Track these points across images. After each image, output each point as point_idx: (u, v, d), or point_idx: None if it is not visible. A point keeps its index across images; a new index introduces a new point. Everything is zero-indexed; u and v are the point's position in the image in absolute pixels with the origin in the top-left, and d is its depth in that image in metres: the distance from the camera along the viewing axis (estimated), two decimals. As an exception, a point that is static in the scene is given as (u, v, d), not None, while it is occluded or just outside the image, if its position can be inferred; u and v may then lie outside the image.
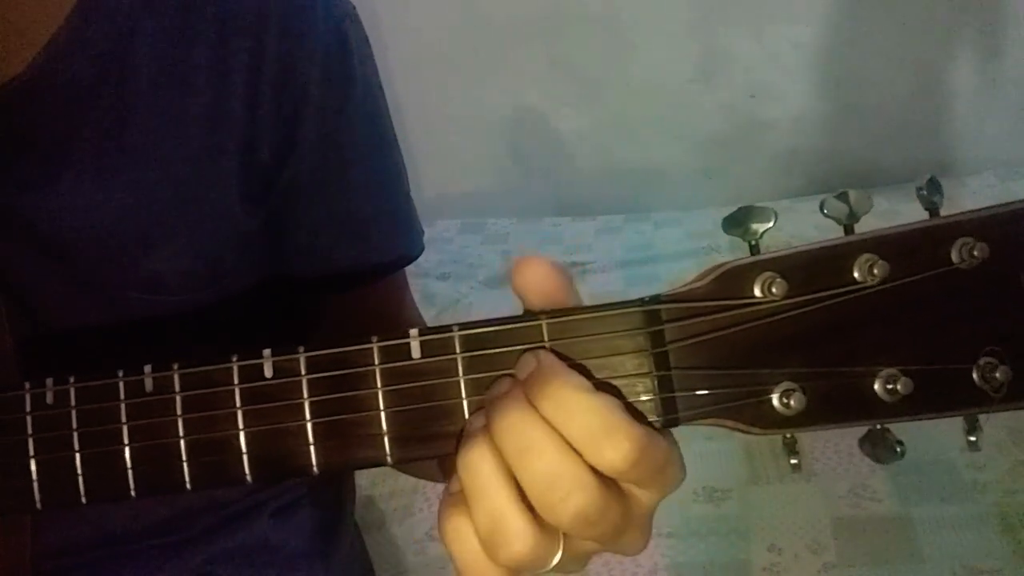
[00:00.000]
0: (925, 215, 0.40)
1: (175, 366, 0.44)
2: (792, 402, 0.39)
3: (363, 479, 1.53)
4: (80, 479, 0.46)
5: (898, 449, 0.40)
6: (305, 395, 0.43)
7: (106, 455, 0.45)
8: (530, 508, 0.39)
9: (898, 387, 0.39)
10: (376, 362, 0.42)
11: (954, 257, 0.39)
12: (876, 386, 0.39)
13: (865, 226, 0.40)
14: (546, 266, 0.41)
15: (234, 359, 0.44)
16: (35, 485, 0.46)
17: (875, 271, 0.39)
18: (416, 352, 0.42)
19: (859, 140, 2.61)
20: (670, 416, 0.41)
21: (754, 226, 0.41)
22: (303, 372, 0.43)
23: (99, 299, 0.64)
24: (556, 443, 0.38)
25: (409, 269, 0.77)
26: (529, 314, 0.42)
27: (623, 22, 2.60)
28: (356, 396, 0.42)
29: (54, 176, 0.60)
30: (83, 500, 0.46)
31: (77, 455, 0.45)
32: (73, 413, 0.46)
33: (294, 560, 0.76)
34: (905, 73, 2.56)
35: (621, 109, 2.67)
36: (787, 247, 0.40)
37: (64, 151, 0.60)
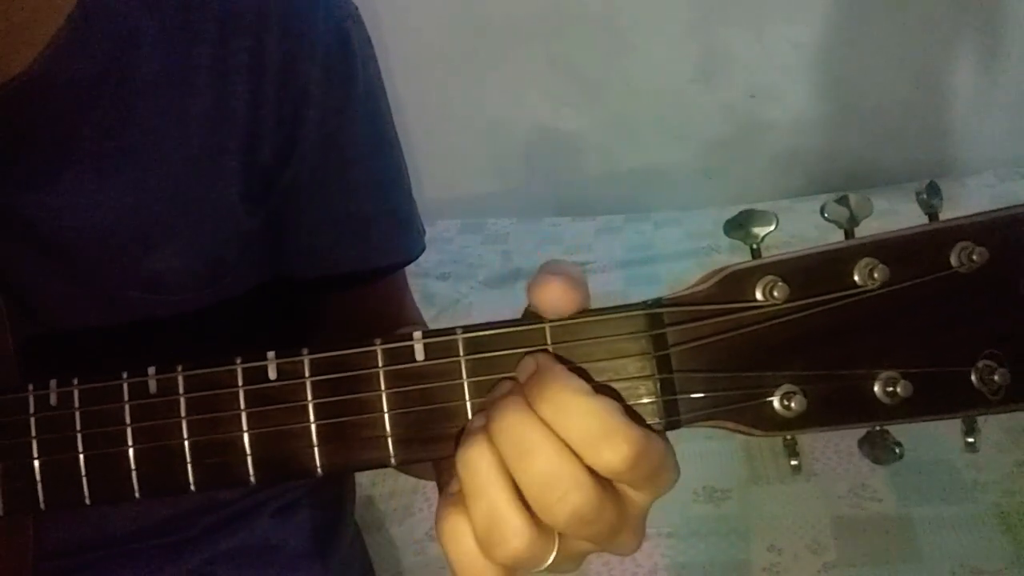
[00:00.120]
0: (925, 215, 0.40)
1: (179, 368, 0.45)
2: (793, 404, 0.40)
3: (363, 479, 1.53)
4: (84, 480, 0.46)
5: (897, 450, 0.40)
6: (309, 397, 0.43)
7: (110, 456, 0.45)
8: (527, 508, 0.39)
9: (897, 389, 0.39)
10: (380, 364, 0.43)
11: (953, 261, 0.39)
12: (876, 388, 0.39)
13: (865, 226, 0.41)
14: (564, 286, 0.41)
15: (238, 361, 0.44)
16: (39, 486, 0.47)
17: (875, 275, 0.39)
18: (420, 354, 0.42)
19: (859, 140, 2.61)
20: (672, 418, 0.41)
21: (755, 230, 0.42)
22: (307, 374, 0.43)
23: (99, 299, 0.64)
24: (554, 444, 0.39)
25: (409, 269, 0.77)
26: (533, 317, 0.42)
27: (623, 22, 2.59)
28: (360, 398, 0.43)
29: (55, 175, 0.60)
30: (87, 501, 0.46)
31: (81, 456, 0.46)
32: (77, 414, 0.46)
33: (294, 560, 0.76)
34: (905, 73, 2.56)
35: (621, 109, 2.67)
36: (788, 250, 0.40)
37: (65, 150, 0.60)
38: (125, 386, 0.45)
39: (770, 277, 0.40)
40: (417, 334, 0.42)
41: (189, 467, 0.44)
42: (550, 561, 0.40)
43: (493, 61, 2.66)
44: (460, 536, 0.40)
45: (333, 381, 0.43)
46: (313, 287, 0.72)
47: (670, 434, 0.42)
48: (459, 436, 0.42)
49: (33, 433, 0.46)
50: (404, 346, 0.42)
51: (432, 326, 0.55)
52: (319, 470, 0.43)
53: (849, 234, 0.40)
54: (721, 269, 0.41)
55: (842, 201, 0.40)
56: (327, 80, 0.66)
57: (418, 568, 1.45)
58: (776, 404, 0.40)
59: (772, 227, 0.42)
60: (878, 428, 0.40)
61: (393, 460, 0.43)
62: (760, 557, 1.39)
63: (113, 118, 0.61)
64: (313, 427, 0.43)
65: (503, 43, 2.64)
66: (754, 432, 0.41)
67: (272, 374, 0.43)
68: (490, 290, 2.23)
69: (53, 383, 0.47)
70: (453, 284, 2.27)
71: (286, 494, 0.76)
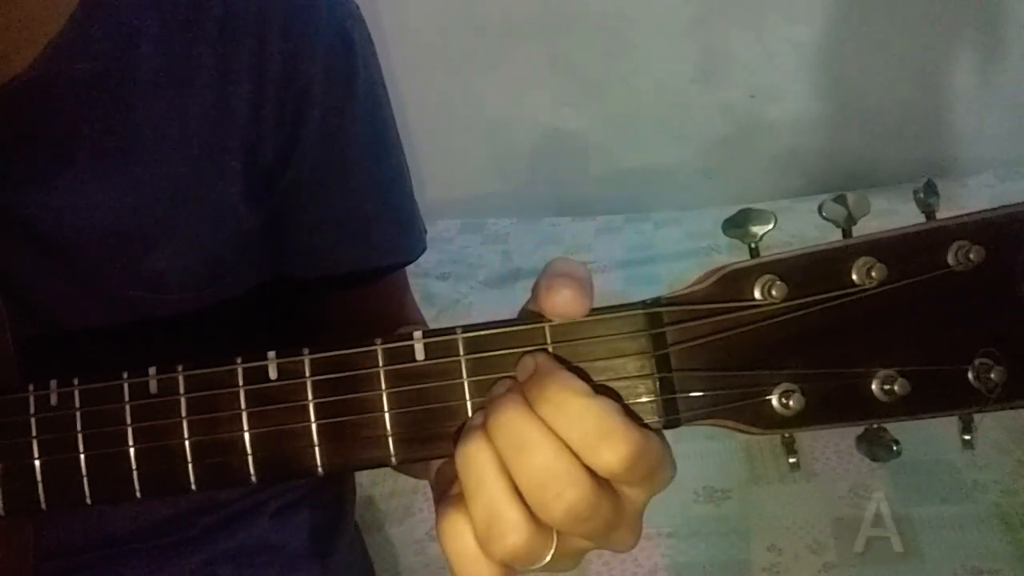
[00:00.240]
0: (923, 215, 0.41)
1: (179, 368, 0.45)
2: (791, 402, 0.40)
3: (363, 479, 1.53)
4: (85, 480, 0.46)
5: (894, 448, 0.41)
6: (310, 397, 0.43)
7: (111, 457, 0.45)
8: (525, 505, 0.39)
9: (895, 388, 0.39)
10: (380, 364, 0.43)
11: (950, 260, 0.39)
12: (873, 387, 0.40)
13: (864, 226, 0.41)
14: (575, 294, 0.41)
15: (238, 361, 0.44)
16: (40, 486, 0.47)
17: (873, 274, 0.39)
18: (420, 354, 0.42)
19: (859, 140, 2.62)
20: (671, 417, 0.41)
21: (754, 229, 0.42)
22: (307, 374, 0.43)
23: (99, 298, 0.64)
24: (551, 441, 0.39)
25: (409, 269, 0.77)
26: (531, 315, 0.42)
27: (623, 22, 2.60)
28: (360, 398, 0.43)
29: (55, 175, 0.60)
30: (88, 501, 0.46)
31: (82, 456, 0.46)
32: (77, 415, 0.46)
33: (294, 560, 0.76)
34: (905, 73, 2.56)
35: (621, 109, 2.67)
36: (787, 249, 0.41)
37: (65, 150, 0.60)
38: (126, 386, 0.45)
39: (768, 276, 0.40)
40: (417, 334, 0.43)
41: (190, 467, 0.44)
42: (548, 558, 0.40)
43: (493, 61, 2.66)
44: (460, 535, 0.40)
45: (333, 381, 0.43)
46: (313, 287, 0.72)
47: (669, 433, 0.42)
48: (458, 435, 0.42)
49: (34, 433, 0.46)
50: (404, 346, 0.43)
51: (432, 326, 0.55)
52: (320, 469, 0.43)
53: (847, 233, 0.41)
54: (720, 268, 0.41)
55: (840, 200, 0.41)
56: (328, 80, 0.66)
57: (418, 568, 1.45)
58: (775, 402, 0.40)
59: (770, 226, 0.42)
60: (875, 426, 0.41)
61: (394, 459, 0.43)
62: (760, 557, 1.39)
63: (114, 117, 0.61)
64: (314, 427, 0.43)
65: (503, 43, 2.64)
66: (753, 430, 0.41)
67: (273, 374, 0.44)
68: (490, 290, 2.24)
69: (54, 383, 0.47)
70: (453, 284, 2.27)
71: (286, 494, 0.76)
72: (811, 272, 0.40)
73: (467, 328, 0.42)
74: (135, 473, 0.45)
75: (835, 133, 2.61)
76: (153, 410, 0.45)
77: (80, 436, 0.46)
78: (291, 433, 0.43)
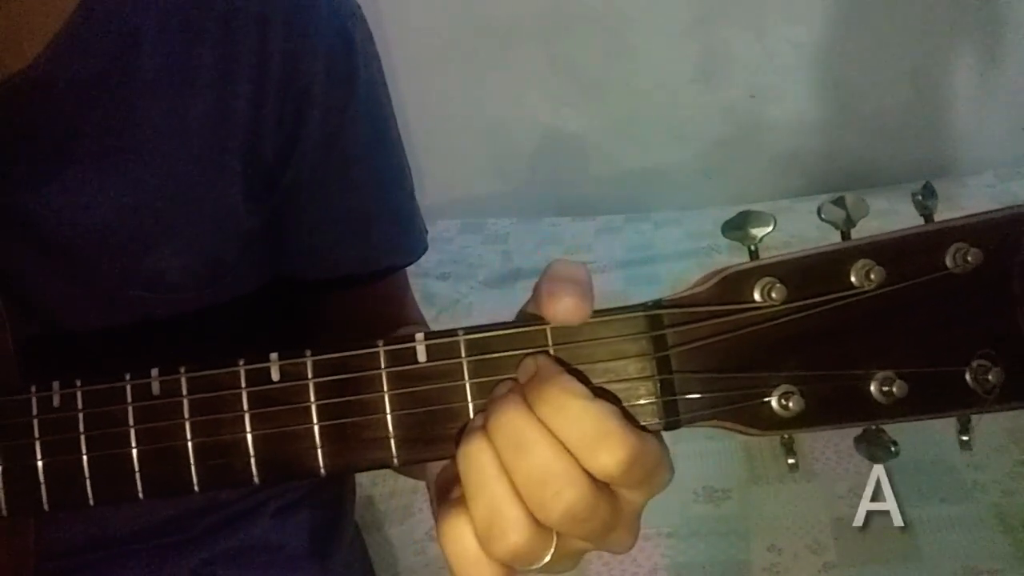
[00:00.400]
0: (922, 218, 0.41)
1: (182, 369, 0.45)
2: (791, 404, 0.40)
3: (363, 479, 1.53)
4: (87, 482, 0.46)
5: (892, 448, 0.41)
6: (312, 398, 0.43)
7: (113, 458, 0.45)
8: (525, 505, 0.39)
9: (893, 389, 0.39)
10: (382, 366, 0.43)
11: (948, 262, 0.39)
12: (872, 388, 0.40)
13: (864, 226, 0.41)
14: (576, 300, 0.41)
15: (241, 363, 0.44)
16: (42, 487, 0.47)
17: (872, 276, 0.39)
18: (422, 356, 0.43)
19: (859, 140, 2.61)
20: (671, 418, 0.41)
21: (753, 231, 0.42)
22: (310, 375, 0.43)
23: (100, 298, 0.64)
24: (550, 441, 0.39)
25: (409, 269, 0.77)
26: (530, 315, 0.43)
27: (623, 22, 2.60)
28: (362, 399, 0.43)
29: (55, 174, 0.60)
30: (91, 502, 0.46)
31: (84, 458, 0.46)
32: (80, 416, 0.46)
33: (294, 560, 0.76)
34: (905, 73, 2.56)
35: (621, 109, 2.67)
36: (786, 250, 0.41)
37: (65, 149, 0.61)
38: (128, 388, 0.45)
39: (768, 278, 0.40)
40: (419, 335, 0.43)
41: (193, 468, 0.45)
42: (548, 559, 0.40)
43: (493, 61, 2.66)
44: (460, 536, 0.40)
45: (336, 382, 0.43)
46: (314, 287, 0.72)
47: (669, 434, 0.42)
48: (460, 436, 0.42)
49: (36, 435, 0.47)
50: (406, 347, 0.43)
51: (432, 326, 0.55)
52: (322, 471, 0.43)
53: (846, 235, 0.41)
54: (720, 270, 0.41)
55: (839, 202, 0.41)
56: (329, 79, 0.66)
57: (418, 568, 1.45)
58: (774, 404, 0.40)
59: (770, 228, 0.42)
60: (874, 427, 0.41)
61: (396, 461, 0.43)
62: (760, 557, 1.39)
63: (114, 117, 0.61)
64: (316, 428, 0.43)
65: (503, 43, 2.64)
66: (752, 432, 0.41)
67: (275, 375, 0.44)
68: (490, 290, 2.23)
69: (56, 384, 0.47)
70: (453, 284, 2.27)
71: (286, 494, 0.76)
72: (810, 274, 0.40)
73: (469, 330, 0.42)
74: (137, 474, 0.45)
75: (835, 133, 2.61)
76: (155, 411, 0.45)
77: (83, 437, 0.46)
78: (293, 435, 0.44)
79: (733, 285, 0.41)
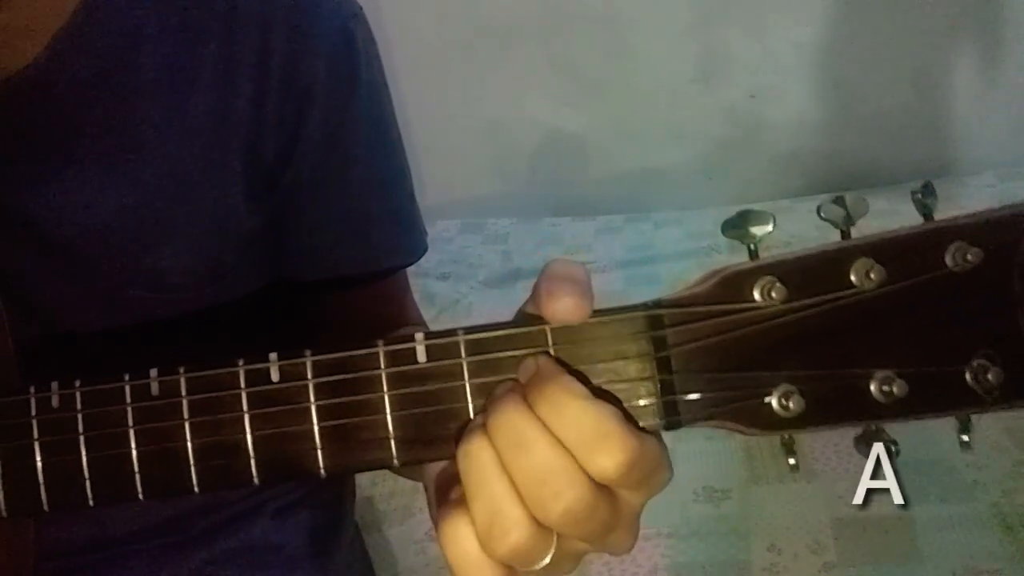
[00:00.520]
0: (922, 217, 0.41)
1: (181, 370, 0.45)
2: (791, 404, 0.40)
3: (363, 479, 1.53)
4: (87, 482, 0.46)
5: (892, 448, 0.41)
6: (312, 399, 0.43)
7: (113, 458, 0.45)
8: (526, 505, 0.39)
9: (893, 389, 0.39)
10: (382, 366, 0.43)
11: (948, 261, 0.39)
12: (872, 388, 0.40)
13: (865, 226, 0.41)
14: (576, 301, 0.41)
15: (240, 363, 0.44)
16: (42, 488, 0.47)
17: (872, 275, 0.39)
18: (422, 356, 0.43)
19: (859, 140, 2.61)
20: (672, 419, 0.41)
21: (753, 230, 0.42)
22: (309, 376, 0.43)
23: (100, 298, 0.64)
24: (549, 441, 0.39)
25: (409, 269, 0.77)
26: (531, 318, 0.43)
27: (623, 22, 2.60)
28: (362, 399, 0.43)
29: (56, 173, 0.60)
30: (90, 503, 0.46)
31: (84, 458, 0.46)
32: (79, 417, 0.46)
33: (294, 560, 0.76)
34: (905, 73, 2.56)
35: (621, 109, 2.67)
36: (786, 250, 0.41)
37: (66, 148, 0.61)
38: (127, 388, 0.45)
39: (768, 278, 0.40)
40: (419, 336, 0.43)
41: (192, 469, 0.45)
42: (548, 560, 0.40)
43: (493, 61, 2.66)
44: (461, 536, 0.40)
45: (335, 383, 0.43)
46: (314, 287, 0.72)
47: (669, 434, 0.42)
48: (460, 437, 0.42)
49: (35, 435, 0.47)
50: (406, 348, 0.43)
51: (432, 326, 0.55)
52: (322, 471, 0.43)
53: (846, 234, 0.41)
54: (720, 270, 0.41)
55: (838, 201, 0.41)
56: (331, 79, 0.66)
57: (418, 568, 1.45)
58: (774, 404, 0.40)
59: (770, 228, 0.42)
60: (874, 427, 0.41)
61: (396, 461, 0.43)
62: (760, 557, 1.39)
63: (115, 117, 0.61)
64: (316, 428, 0.43)
65: (503, 43, 2.64)
66: (752, 432, 0.41)
67: (274, 376, 0.44)
68: (490, 290, 2.23)
69: (55, 385, 0.47)
70: (453, 284, 2.27)
71: (286, 495, 0.76)
72: (810, 274, 0.40)
73: (469, 330, 0.42)
74: (137, 475, 0.45)
75: (835, 133, 2.61)
76: (155, 412, 0.45)
77: (82, 438, 0.46)
78: (293, 435, 0.43)
79: (733, 285, 0.41)
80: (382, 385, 0.43)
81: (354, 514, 0.85)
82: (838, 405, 0.40)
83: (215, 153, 0.64)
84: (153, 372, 0.45)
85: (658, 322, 0.41)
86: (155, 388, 0.45)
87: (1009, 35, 2.50)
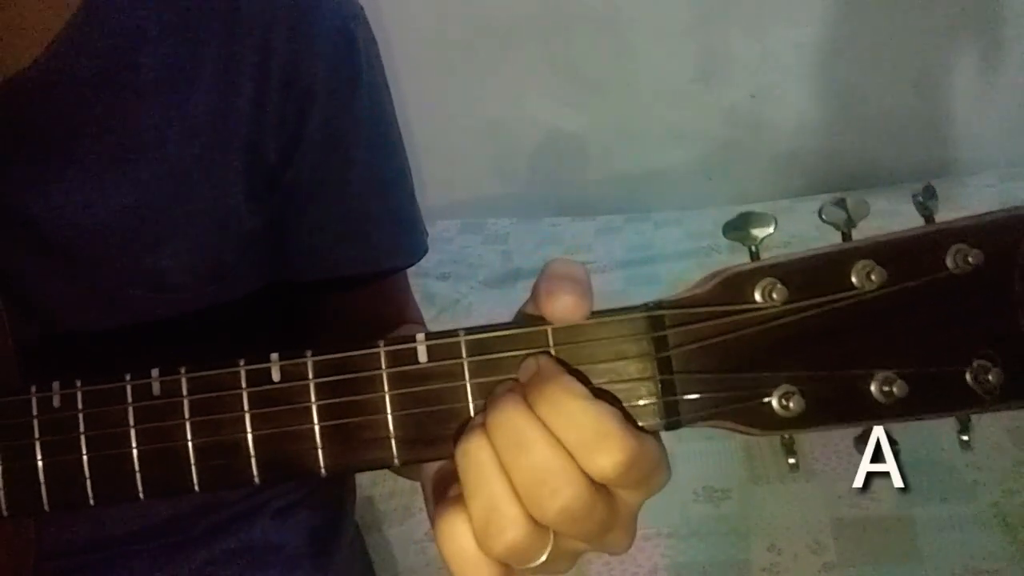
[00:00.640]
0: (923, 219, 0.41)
1: (182, 370, 0.45)
2: (791, 404, 0.40)
3: (363, 479, 1.53)
4: (88, 482, 0.46)
5: (893, 448, 0.41)
6: (313, 399, 0.43)
7: (114, 458, 0.45)
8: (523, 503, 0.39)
9: (893, 389, 0.39)
10: (383, 366, 0.43)
11: (949, 263, 0.39)
12: (872, 388, 0.40)
13: (865, 225, 0.41)
14: (576, 300, 0.41)
15: (241, 363, 0.44)
16: (42, 488, 0.47)
17: (872, 277, 0.39)
18: (423, 356, 0.43)
19: (859, 140, 2.62)
20: (672, 419, 0.41)
21: (754, 232, 0.42)
22: (310, 376, 0.43)
23: (100, 298, 0.64)
24: (548, 440, 0.39)
25: (409, 269, 0.77)
26: (531, 318, 0.43)
27: (623, 22, 2.60)
28: (363, 399, 0.43)
29: (57, 173, 0.60)
30: (91, 503, 0.46)
31: (84, 458, 0.46)
32: (80, 416, 0.46)
33: (294, 560, 0.76)
34: (905, 74, 2.56)
35: (621, 109, 2.67)
36: (786, 251, 0.41)
37: (67, 148, 0.61)
38: (128, 388, 0.45)
39: (769, 279, 0.40)
40: (420, 336, 0.43)
41: (193, 469, 0.45)
42: (544, 558, 0.40)
43: (493, 62, 2.66)
44: (458, 534, 0.40)
45: (336, 383, 0.43)
46: (314, 287, 0.72)
47: (669, 434, 0.42)
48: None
49: (36, 435, 0.47)
50: (407, 348, 0.43)
51: (432, 326, 0.55)
52: (323, 471, 0.43)
53: (846, 236, 0.41)
54: (721, 271, 0.41)
55: (839, 203, 0.41)
56: (331, 80, 0.66)
57: (418, 568, 1.45)
58: (775, 404, 0.40)
59: (771, 229, 0.42)
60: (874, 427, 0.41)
61: (396, 461, 0.43)
62: (760, 557, 1.39)
63: (115, 116, 0.61)
64: (317, 428, 0.43)
65: (503, 44, 2.64)
66: (753, 432, 0.41)
67: (276, 376, 0.44)
68: (490, 290, 2.24)
69: (56, 385, 0.47)
70: (453, 284, 2.27)
71: (286, 495, 0.76)
72: (811, 275, 0.40)
73: (469, 330, 0.42)
74: (138, 475, 0.45)
75: (835, 133, 2.61)
76: (156, 412, 0.45)
77: (83, 438, 0.46)
78: (294, 435, 0.44)
79: (734, 286, 0.41)
80: (383, 385, 0.43)
81: (354, 514, 0.85)
82: (838, 405, 0.40)
83: (215, 153, 0.64)
84: (154, 372, 0.45)
85: (659, 323, 0.41)
86: (156, 388, 0.45)
87: (1009, 35, 2.50)
